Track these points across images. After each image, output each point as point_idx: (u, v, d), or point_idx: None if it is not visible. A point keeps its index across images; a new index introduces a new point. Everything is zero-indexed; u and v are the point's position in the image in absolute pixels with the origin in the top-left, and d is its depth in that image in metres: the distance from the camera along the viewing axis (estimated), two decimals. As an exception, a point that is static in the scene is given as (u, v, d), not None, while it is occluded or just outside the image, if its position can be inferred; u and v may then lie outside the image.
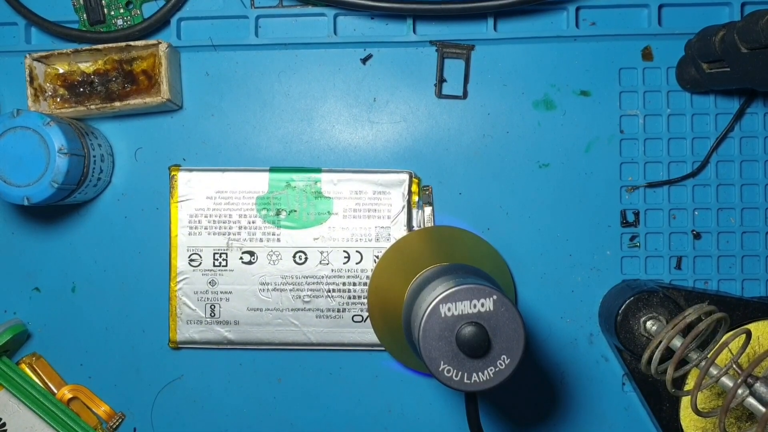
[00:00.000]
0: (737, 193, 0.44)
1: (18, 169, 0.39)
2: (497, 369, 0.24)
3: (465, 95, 0.45)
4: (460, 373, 0.24)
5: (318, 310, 0.43)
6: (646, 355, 0.36)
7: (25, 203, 0.39)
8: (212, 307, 0.44)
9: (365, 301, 0.43)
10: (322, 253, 0.43)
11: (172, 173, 0.44)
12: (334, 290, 0.43)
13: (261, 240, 0.43)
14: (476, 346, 0.24)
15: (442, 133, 0.45)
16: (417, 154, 0.45)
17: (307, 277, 0.43)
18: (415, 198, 0.44)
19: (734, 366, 0.34)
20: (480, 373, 0.24)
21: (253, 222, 0.43)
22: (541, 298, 0.45)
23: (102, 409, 0.45)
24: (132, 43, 0.43)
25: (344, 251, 0.43)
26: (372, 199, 0.43)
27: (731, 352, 0.35)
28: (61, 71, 0.43)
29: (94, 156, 0.42)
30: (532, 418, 0.45)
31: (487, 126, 0.45)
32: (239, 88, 0.45)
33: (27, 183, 0.39)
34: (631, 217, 0.45)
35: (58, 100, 0.43)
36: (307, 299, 0.43)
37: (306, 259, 0.43)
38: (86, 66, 0.43)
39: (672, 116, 0.45)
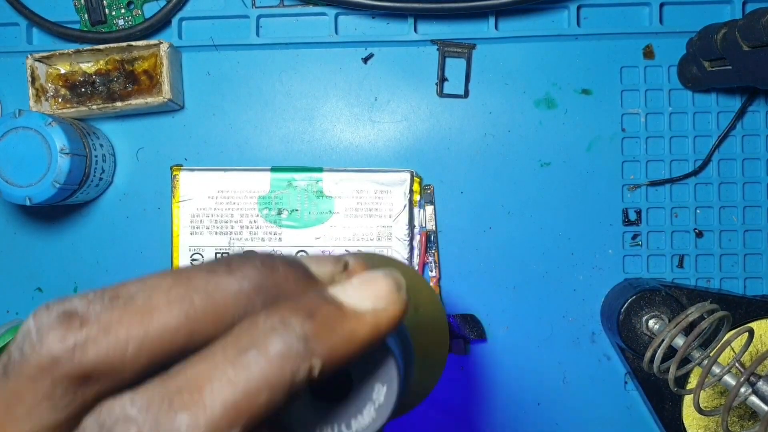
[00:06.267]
0: (739, 191, 0.44)
1: (20, 170, 0.39)
2: (377, 404, 0.18)
3: (466, 94, 0.45)
4: (329, 426, 0.18)
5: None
6: (648, 354, 0.36)
7: (27, 203, 0.39)
8: (214, 306, 0.44)
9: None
10: (323, 252, 0.43)
11: (174, 173, 0.44)
12: (335, 290, 0.43)
13: (263, 239, 0.43)
14: (333, 380, 0.18)
15: (444, 132, 0.45)
16: (418, 153, 0.45)
17: (308, 277, 0.43)
18: (417, 197, 0.44)
19: (737, 365, 0.34)
20: (359, 417, 0.18)
21: (255, 221, 0.43)
22: (543, 296, 0.45)
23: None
24: (133, 43, 0.43)
25: (346, 250, 0.43)
26: (373, 198, 0.43)
27: (733, 351, 0.35)
28: (62, 71, 0.44)
29: (96, 156, 0.42)
30: (535, 417, 0.45)
31: (488, 125, 0.45)
32: (240, 88, 0.45)
33: (29, 183, 0.39)
34: (633, 216, 0.45)
35: (60, 100, 0.43)
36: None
37: (308, 258, 0.43)
38: (88, 66, 0.44)
39: (673, 114, 0.44)
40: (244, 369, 0.15)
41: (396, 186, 0.43)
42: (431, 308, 0.31)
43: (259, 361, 0.15)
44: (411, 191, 0.44)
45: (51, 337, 0.15)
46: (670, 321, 0.38)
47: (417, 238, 0.44)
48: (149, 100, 0.43)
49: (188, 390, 0.15)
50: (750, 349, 0.36)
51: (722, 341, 0.35)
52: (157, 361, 0.15)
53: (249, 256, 0.17)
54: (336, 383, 0.18)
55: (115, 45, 0.43)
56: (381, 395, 0.18)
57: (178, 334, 0.15)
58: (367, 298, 0.17)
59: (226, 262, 0.16)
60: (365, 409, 0.18)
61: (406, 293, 0.17)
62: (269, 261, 0.17)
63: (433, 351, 0.30)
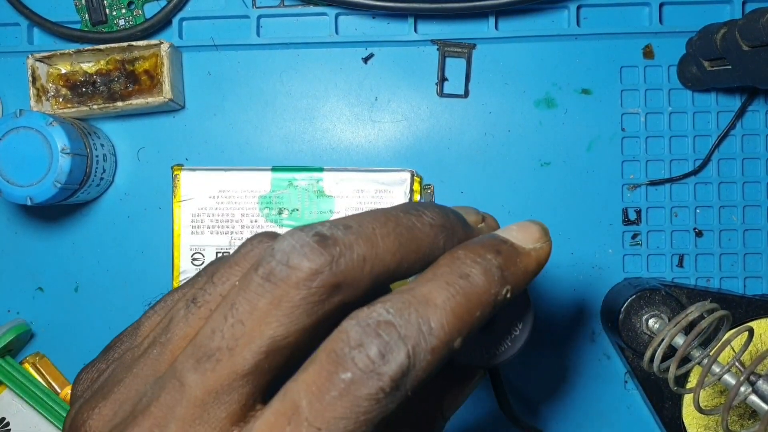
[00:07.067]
0: (739, 191, 0.44)
1: (21, 169, 0.39)
2: (513, 336, 0.23)
3: (466, 94, 0.45)
4: (477, 348, 0.23)
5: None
6: (648, 353, 0.36)
7: (28, 203, 0.39)
8: (215, 306, 0.44)
9: (367, 299, 0.43)
10: None
11: (175, 173, 0.44)
12: (336, 289, 0.43)
13: (263, 239, 0.43)
14: None
15: (444, 132, 0.45)
16: (418, 153, 0.45)
17: (309, 276, 0.43)
18: (417, 197, 0.44)
19: (736, 364, 0.34)
20: (498, 346, 0.23)
21: (256, 221, 0.44)
22: (543, 296, 0.45)
23: (105, 408, 0.45)
24: (134, 43, 0.43)
25: None
26: (374, 197, 0.43)
27: (733, 350, 0.35)
28: (63, 71, 0.44)
29: (97, 156, 0.42)
30: (535, 417, 0.45)
31: (488, 125, 0.45)
32: (241, 88, 0.45)
33: (30, 183, 0.39)
34: (632, 215, 0.45)
35: (61, 100, 0.44)
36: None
37: (308, 258, 0.43)
38: (88, 66, 0.44)
39: (673, 114, 0.45)
40: (463, 289, 0.18)
41: (396, 186, 0.43)
42: None
43: (473, 283, 0.19)
44: (411, 191, 0.44)
45: (314, 252, 0.18)
46: (669, 320, 0.38)
47: (417, 237, 0.44)
48: (150, 100, 0.43)
49: (425, 302, 0.18)
50: (750, 348, 0.36)
51: (722, 340, 0.35)
52: (379, 280, 0.19)
53: (427, 203, 0.21)
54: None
55: (115, 45, 0.43)
56: (517, 330, 0.23)
57: (394, 259, 0.19)
58: (528, 240, 0.21)
59: (412, 206, 0.20)
60: (503, 341, 0.22)
61: (550, 237, 0.21)
62: (443, 208, 0.21)
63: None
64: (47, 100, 0.43)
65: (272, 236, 0.21)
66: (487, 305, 0.19)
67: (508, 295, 0.19)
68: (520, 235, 0.21)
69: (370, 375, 0.17)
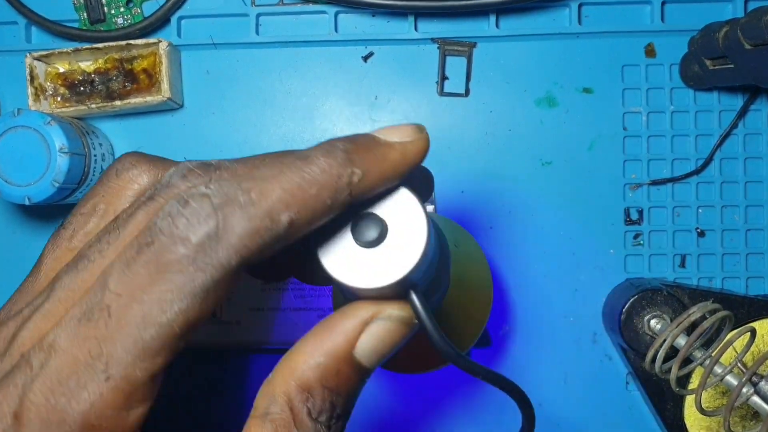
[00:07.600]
0: (741, 191, 0.44)
1: (19, 169, 0.39)
2: (406, 252, 0.20)
3: (467, 93, 0.45)
4: (371, 269, 0.20)
5: (320, 310, 0.43)
6: (650, 354, 0.36)
7: (26, 203, 0.39)
8: (214, 306, 0.43)
9: (367, 300, 0.43)
10: None
11: (173, 172, 0.44)
12: (336, 289, 0.43)
13: (262, 239, 0.43)
14: (368, 226, 0.21)
15: (444, 131, 0.45)
16: (419, 153, 0.45)
17: (308, 276, 0.43)
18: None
19: (739, 364, 0.34)
20: (390, 263, 0.20)
21: (255, 221, 0.43)
22: (545, 296, 0.45)
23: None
24: (132, 41, 0.42)
25: None
26: (374, 197, 0.43)
27: (735, 351, 0.35)
28: (61, 70, 0.43)
29: (95, 155, 0.42)
30: (536, 418, 0.45)
31: (489, 124, 0.45)
32: (240, 87, 0.45)
33: (28, 182, 0.39)
34: (634, 215, 0.44)
35: (59, 99, 0.43)
36: (309, 298, 0.43)
37: (308, 258, 0.43)
38: (87, 65, 0.43)
39: (675, 113, 0.44)
40: (299, 170, 0.19)
41: (396, 185, 0.43)
42: (472, 251, 0.34)
43: (310, 164, 0.19)
44: (411, 190, 0.43)
45: (192, 174, 0.19)
46: (671, 321, 0.38)
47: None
48: (148, 98, 0.42)
49: (251, 178, 0.18)
50: (752, 348, 0.35)
51: (724, 341, 0.34)
52: None
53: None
54: (376, 234, 0.21)
55: (114, 44, 0.43)
56: (410, 248, 0.21)
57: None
58: (396, 135, 0.21)
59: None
60: (395, 257, 0.21)
61: (427, 134, 0.21)
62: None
63: (473, 298, 0.32)
64: (45, 99, 0.43)
65: (139, 155, 0.22)
66: (327, 186, 0.19)
67: (356, 179, 0.19)
68: (388, 131, 0.21)
69: (174, 240, 0.17)
